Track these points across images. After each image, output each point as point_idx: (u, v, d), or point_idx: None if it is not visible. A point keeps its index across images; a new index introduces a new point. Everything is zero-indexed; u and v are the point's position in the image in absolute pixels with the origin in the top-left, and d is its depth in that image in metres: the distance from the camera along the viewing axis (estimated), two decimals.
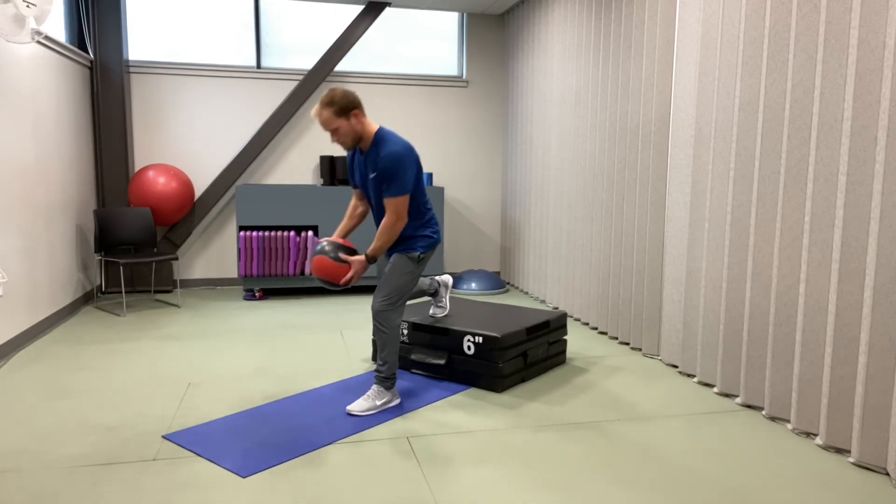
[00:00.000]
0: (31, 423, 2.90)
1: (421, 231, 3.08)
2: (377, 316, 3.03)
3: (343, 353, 4.10)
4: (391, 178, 2.87)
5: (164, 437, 2.76)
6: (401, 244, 3.08)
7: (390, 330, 3.04)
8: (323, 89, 6.40)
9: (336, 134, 2.92)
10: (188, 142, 6.13)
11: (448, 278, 3.76)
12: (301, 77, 6.28)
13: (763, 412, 3.11)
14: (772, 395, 3.01)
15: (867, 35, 2.45)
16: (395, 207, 2.91)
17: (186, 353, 4.05)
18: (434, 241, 3.11)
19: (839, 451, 2.67)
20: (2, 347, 3.88)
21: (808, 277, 2.77)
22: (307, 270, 5.78)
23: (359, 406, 3.04)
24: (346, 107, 2.85)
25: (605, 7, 4.52)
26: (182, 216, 5.90)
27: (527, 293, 6.17)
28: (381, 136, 2.93)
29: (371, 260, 2.95)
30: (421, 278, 3.62)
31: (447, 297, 3.74)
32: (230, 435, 2.78)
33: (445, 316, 3.73)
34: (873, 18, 2.43)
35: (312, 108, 2.96)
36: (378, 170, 2.91)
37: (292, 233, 5.72)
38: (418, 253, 3.05)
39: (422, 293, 3.65)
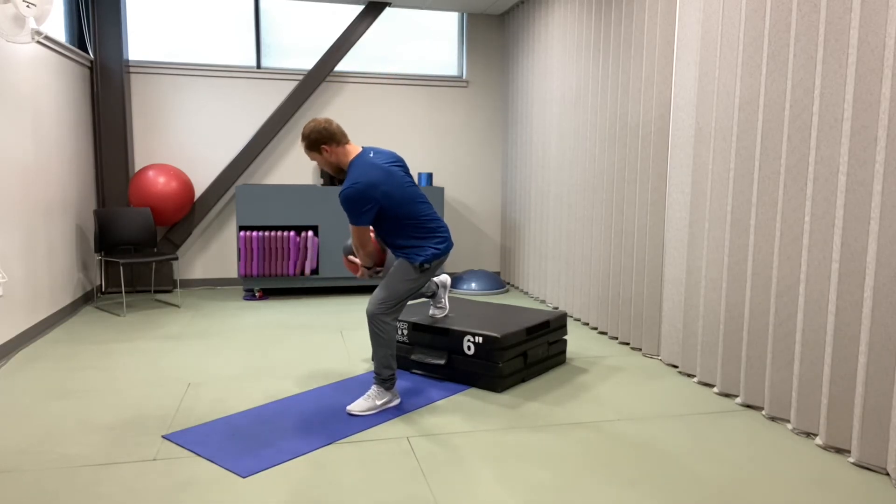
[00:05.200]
0: (31, 423, 2.90)
1: (418, 244, 3.04)
2: (371, 319, 3.02)
3: (343, 353, 4.10)
4: (346, 211, 2.94)
5: (164, 437, 2.76)
6: (401, 251, 3.08)
7: (385, 333, 3.03)
8: (323, 89, 6.40)
9: (318, 163, 3.05)
10: (188, 142, 6.13)
11: (446, 278, 3.75)
12: (301, 77, 6.28)
13: (763, 412, 3.11)
14: (772, 395, 3.01)
15: (867, 35, 2.45)
16: (353, 234, 3.03)
17: (186, 353, 4.05)
18: (437, 253, 3.05)
19: (839, 451, 2.67)
20: (2, 347, 3.88)
21: (808, 277, 2.77)
22: (307, 270, 5.78)
23: (359, 406, 3.04)
24: (315, 141, 2.95)
25: (605, 7, 4.52)
26: (182, 216, 5.90)
27: (527, 293, 6.17)
28: (349, 169, 2.97)
29: (368, 267, 3.21)
30: None
31: (446, 298, 3.73)
32: (230, 435, 2.78)
33: (445, 316, 3.73)
34: (873, 18, 2.43)
35: None
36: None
37: (292, 233, 5.72)
38: (418, 262, 3.02)
39: (420, 294, 3.64)
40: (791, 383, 2.96)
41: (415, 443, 2.73)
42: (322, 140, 2.94)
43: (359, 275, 3.25)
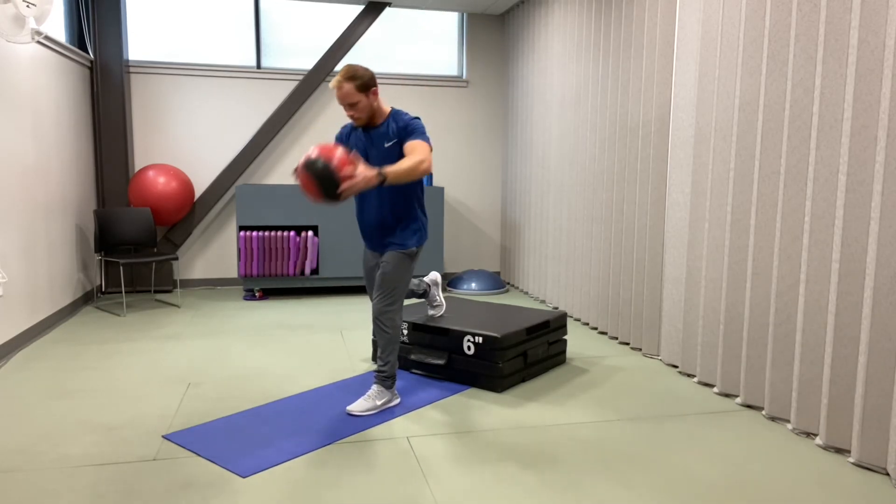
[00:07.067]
0: (31, 423, 2.90)
1: (416, 221, 3.09)
2: (380, 317, 3.03)
3: (343, 353, 4.10)
4: (417, 130, 2.94)
5: (164, 437, 2.76)
6: (396, 234, 3.06)
7: (393, 330, 3.04)
8: (323, 89, 6.40)
9: (354, 108, 2.95)
10: (188, 142, 6.13)
11: (436, 275, 3.75)
12: (301, 77, 6.28)
13: (763, 412, 3.11)
14: (772, 395, 3.01)
15: (867, 35, 2.45)
16: (423, 150, 2.84)
17: (186, 353, 4.05)
18: (425, 236, 3.14)
19: (839, 451, 2.67)
20: (2, 347, 3.88)
21: (808, 277, 2.77)
22: (307, 270, 5.78)
23: (359, 406, 3.04)
24: (367, 83, 2.92)
25: (605, 7, 4.52)
26: (182, 216, 5.90)
27: (527, 293, 6.17)
28: (398, 111, 3.04)
29: (381, 178, 2.64)
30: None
31: (440, 294, 3.73)
32: (230, 435, 2.78)
33: (443, 314, 3.72)
34: (873, 18, 2.43)
35: (332, 80, 3.00)
36: (400, 134, 2.97)
37: (292, 233, 5.72)
38: (413, 248, 3.05)
39: (412, 294, 3.63)
40: (791, 383, 2.96)
41: (415, 443, 2.73)
42: (373, 83, 2.96)
43: (347, 173, 2.55)
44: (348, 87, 2.89)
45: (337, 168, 2.53)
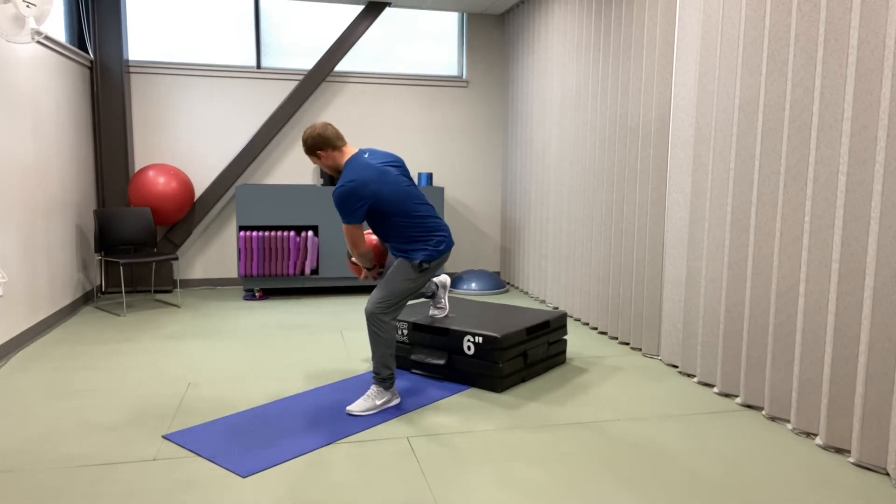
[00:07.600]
0: (32, 423, 2.90)
1: (415, 245, 3.06)
2: (370, 318, 3.02)
3: (343, 353, 4.10)
4: (337, 209, 3.02)
5: (164, 437, 2.76)
6: (404, 252, 3.10)
7: (384, 332, 3.03)
8: (323, 89, 6.40)
9: (319, 165, 3.15)
10: (188, 142, 6.13)
11: (445, 279, 3.75)
12: (301, 77, 6.28)
13: (763, 412, 3.11)
14: (772, 395, 3.01)
15: (867, 35, 2.45)
16: (345, 234, 3.06)
17: (186, 353, 4.05)
18: (435, 253, 3.07)
19: (839, 451, 2.67)
20: (2, 347, 3.88)
21: (808, 277, 2.77)
22: (307, 270, 5.79)
23: (358, 406, 3.04)
24: (311, 147, 3.06)
25: (605, 7, 4.52)
26: (182, 216, 5.90)
27: (527, 293, 6.17)
28: (343, 170, 3.06)
29: (366, 266, 3.23)
30: None
31: (445, 298, 3.74)
32: (230, 435, 2.78)
33: (445, 316, 3.73)
34: (873, 18, 2.43)
35: None
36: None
37: (292, 233, 5.72)
38: (418, 261, 3.04)
39: (420, 295, 3.64)
40: (791, 383, 2.96)
41: (415, 443, 2.73)
42: (317, 146, 3.05)
43: (361, 276, 3.31)
44: (304, 150, 3.13)
45: (356, 273, 3.38)
